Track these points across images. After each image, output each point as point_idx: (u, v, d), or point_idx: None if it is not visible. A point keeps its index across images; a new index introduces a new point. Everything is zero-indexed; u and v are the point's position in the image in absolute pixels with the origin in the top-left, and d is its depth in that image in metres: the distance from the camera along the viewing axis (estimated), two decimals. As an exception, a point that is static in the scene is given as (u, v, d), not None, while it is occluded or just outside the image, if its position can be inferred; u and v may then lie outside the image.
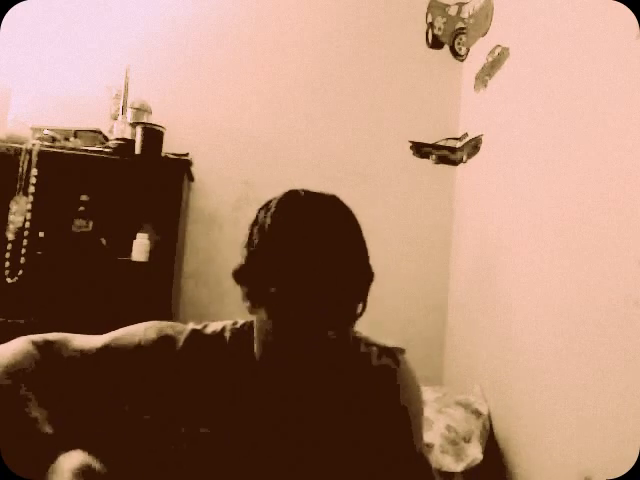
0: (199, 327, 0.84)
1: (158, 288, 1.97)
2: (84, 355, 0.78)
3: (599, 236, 1.43)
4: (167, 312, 1.96)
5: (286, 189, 0.76)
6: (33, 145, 1.92)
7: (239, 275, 0.75)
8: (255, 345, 0.78)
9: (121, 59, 2.18)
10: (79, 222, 1.96)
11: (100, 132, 2.06)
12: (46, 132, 2.00)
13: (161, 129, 2.02)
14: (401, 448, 0.79)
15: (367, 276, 0.73)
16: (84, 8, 2.30)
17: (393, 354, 0.83)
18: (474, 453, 1.75)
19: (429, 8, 2.57)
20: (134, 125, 2.04)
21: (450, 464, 1.70)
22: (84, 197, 1.98)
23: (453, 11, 2.58)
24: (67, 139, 2.01)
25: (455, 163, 2.54)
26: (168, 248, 2.01)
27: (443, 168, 2.54)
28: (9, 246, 1.88)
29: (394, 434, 0.79)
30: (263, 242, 0.71)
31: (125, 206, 2.10)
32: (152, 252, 1.98)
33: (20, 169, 1.90)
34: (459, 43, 2.57)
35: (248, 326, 0.83)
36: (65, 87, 2.25)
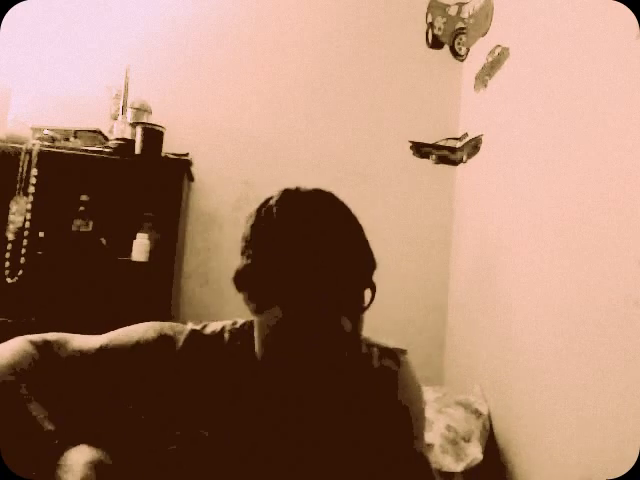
0: (198, 327, 0.84)
1: (158, 288, 1.97)
2: (83, 355, 0.78)
3: (599, 236, 1.42)
4: (167, 312, 1.96)
5: (281, 189, 0.77)
6: (33, 145, 1.92)
7: (243, 278, 0.75)
8: (256, 345, 0.78)
9: (121, 59, 2.18)
10: (79, 222, 1.96)
11: (100, 132, 2.06)
12: (46, 132, 2.00)
13: (161, 129, 2.02)
14: (402, 448, 0.79)
15: (370, 262, 0.75)
16: (84, 8, 2.30)
17: (394, 355, 0.84)
18: (474, 453, 1.75)
19: (429, 8, 2.57)
20: (134, 125, 2.04)
21: (450, 464, 1.70)
22: (84, 197, 1.98)
23: (453, 11, 2.58)
24: (67, 139, 2.02)
25: (455, 163, 2.54)
26: (168, 248, 2.01)
27: (443, 168, 2.54)
28: (9, 246, 1.88)
29: (395, 435, 0.79)
30: (269, 242, 0.72)
31: (125, 206, 2.10)
32: (152, 252, 1.98)
33: (20, 169, 1.90)
34: (459, 43, 2.57)
35: (248, 326, 0.83)
36: (65, 87, 2.25)
